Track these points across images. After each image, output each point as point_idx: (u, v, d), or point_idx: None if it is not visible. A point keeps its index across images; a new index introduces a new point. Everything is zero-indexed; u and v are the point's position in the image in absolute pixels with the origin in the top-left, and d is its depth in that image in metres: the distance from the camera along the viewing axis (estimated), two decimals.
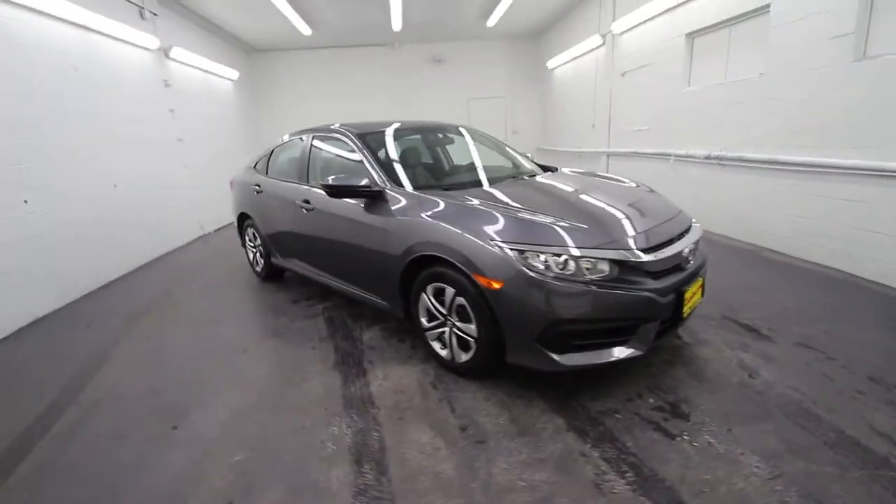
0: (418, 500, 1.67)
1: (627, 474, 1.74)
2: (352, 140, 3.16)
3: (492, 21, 8.48)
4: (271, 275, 4.37)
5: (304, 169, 3.55)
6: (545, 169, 3.56)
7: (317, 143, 3.55)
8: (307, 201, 3.36)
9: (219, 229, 7.55)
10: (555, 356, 2.05)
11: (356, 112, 10.29)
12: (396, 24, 8.22)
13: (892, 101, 3.18)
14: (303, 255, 3.66)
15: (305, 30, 8.01)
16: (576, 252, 2.03)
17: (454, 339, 2.43)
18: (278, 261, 4.05)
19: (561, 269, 2.02)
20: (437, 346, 2.57)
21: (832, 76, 3.56)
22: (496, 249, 2.10)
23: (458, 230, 2.27)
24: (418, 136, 3.57)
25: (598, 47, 7.50)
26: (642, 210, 2.50)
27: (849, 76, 3.44)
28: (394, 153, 3.15)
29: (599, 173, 3.49)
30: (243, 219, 4.50)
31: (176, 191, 6.27)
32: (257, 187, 4.10)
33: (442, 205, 2.47)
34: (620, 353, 2.09)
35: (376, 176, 2.85)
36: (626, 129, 6.89)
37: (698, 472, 1.72)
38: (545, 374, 2.27)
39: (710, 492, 1.63)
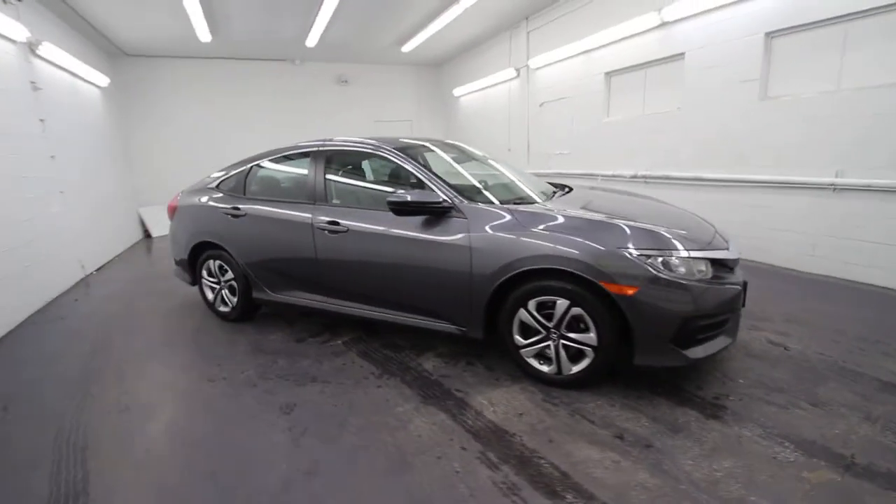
0: None
1: (787, 441, 1.96)
2: (395, 155, 2.92)
3: (408, 47, 8.64)
4: (246, 314, 3.67)
5: (319, 188, 3.12)
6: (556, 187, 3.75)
7: (334, 158, 3.17)
8: (333, 222, 2.96)
9: (102, 267, 6.00)
10: (684, 352, 2.20)
11: (253, 130, 9.37)
12: (312, 40, 7.79)
13: (788, 130, 4.24)
14: (314, 286, 3.18)
15: (205, 36, 7.03)
16: (695, 254, 2.24)
17: (563, 352, 2.41)
18: (265, 296, 3.43)
19: (683, 271, 2.19)
20: (534, 363, 2.50)
21: (743, 112, 4.58)
22: (626, 256, 2.18)
23: (582, 240, 2.28)
24: (447, 153, 3.43)
25: (512, 79, 8.22)
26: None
27: (756, 112, 4.47)
28: (439, 168, 3.01)
29: (616, 188, 3.86)
30: (198, 251, 3.71)
31: (49, 222, 4.81)
32: (234, 211, 3.45)
33: (560, 218, 2.45)
34: (723, 342, 2.34)
35: (443, 191, 2.68)
36: (546, 152, 7.65)
37: (828, 429, 2.03)
38: (624, 374, 2.40)
39: (851, 439, 1.94)
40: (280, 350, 3.17)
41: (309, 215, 3.08)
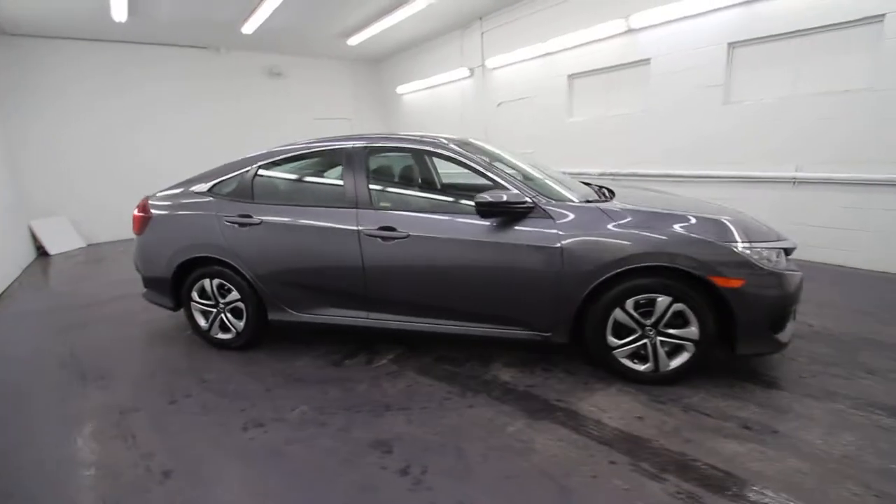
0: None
1: (877, 409, 2.16)
2: (456, 153, 2.67)
3: (355, 40, 8.15)
4: (254, 340, 3.11)
5: (362, 190, 2.74)
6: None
7: (378, 157, 2.81)
8: (388, 228, 2.62)
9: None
10: (776, 337, 2.32)
11: (170, 126, 8.17)
12: (250, 26, 6.96)
13: (749, 131, 4.77)
14: (358, 300, 2.79)
15: (120, 14, 5.88)
16: (777, 244, 2.36)
17: (660, 349, 2.39)
18: (287, 316, 2.94)
19: (776, 260, 2.31)
20: (628, 363, 2.46)
21: (708, 114, 5.05)
22: (733, 250, 2.23)
23: (688, 235, 2.27)
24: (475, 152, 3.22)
25: (465, 78, 8.19)
26: None
27: (720, 114, 4.96)
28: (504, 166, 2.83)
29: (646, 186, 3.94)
30: (186, 269, 3.06)
31: None
32: (243, 219, 2.90)
33: (656, 214, 2.40)
34: (794, 325, 2.52)
35: (523, 191, 2.51)
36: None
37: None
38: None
39: None
40: (320, 378, 2.74)
41: (353, 221, 2.70)
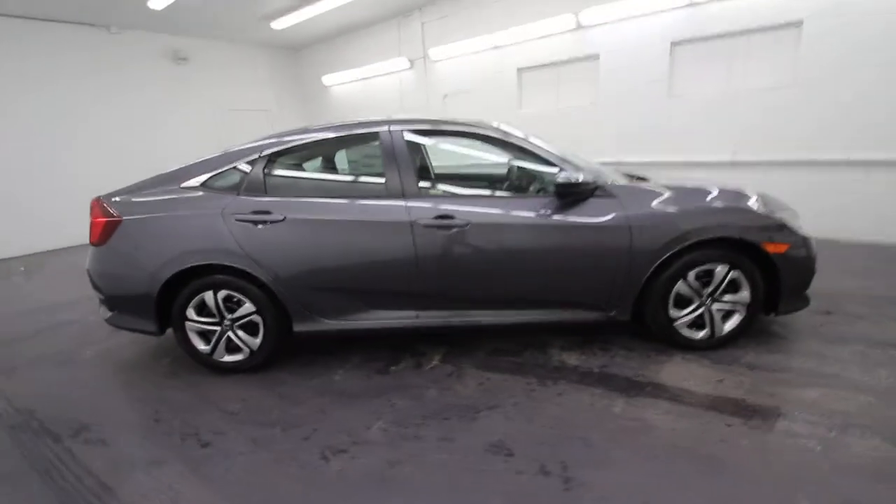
0: None
1: (890, 345, 2.55)
2: (505, 135, 2.53)
3: (280, 24, 7.40)
4: (271, 358, 2.65)
5: (408, 176, 2.47)
6: None
7: (421, 142, 2.53)
8: (445, 216, 2.40)
9: None
10: (807, 294, 2.61)
11: (50, 116, 6.73)
12: (161, 1, 5.90)
13: (690, 121, 5.35)
14: (408, 299, 2.52)
15: None
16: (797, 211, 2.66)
17: (716, 316, 2.55)
18: (318, 326, 2.55)
19: (803, 226, 2.59)
20: (687, 332, 2.58)
21: (653, 106, 5.54)
22: (781, 219, 2.45)
23: (745, 207, 2.45)
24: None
25: (404, 70, 7.94)
26: None
27: (665, 106, 5.48)
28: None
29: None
30: (178, 281, 2.49)
31: None
32: (260, 217, 2.43)
33: (712, 190, 2.53)
34: None
35: (578, 170, 2.47)
36: None
37: None
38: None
39: None
40: (374, 389, 2.43)
41: (404, 213, 2.42)
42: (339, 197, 2.52)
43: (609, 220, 2.42)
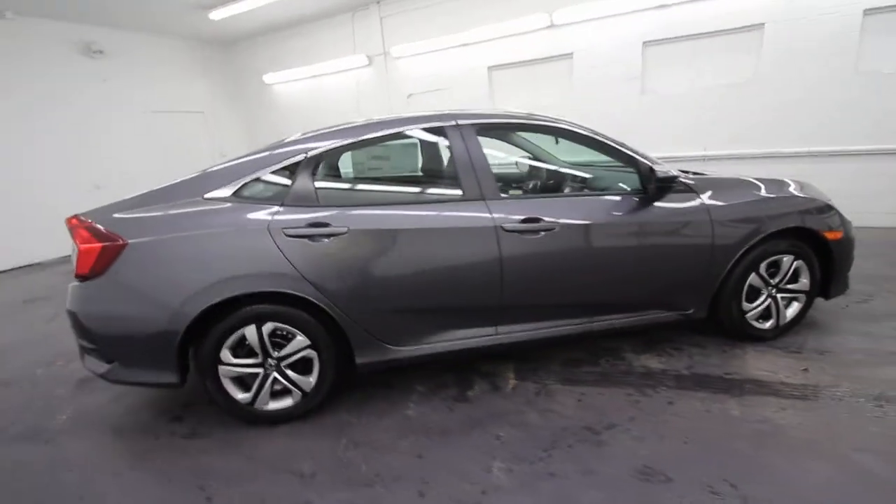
0: None
1: None
2: (583, 128, 2.35)
3: (219, 14, 6.56)
4: (327, 398, 2.22)
5: (485, 176, 2.19)
6: None
7: (496, 136, 2.25)
8: (532, 220, 2.16)
9: None
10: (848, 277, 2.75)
11: None
12: None
13: (660, 117, 5.60)
14: (489, 314, 2.24)
15: None
16: None
17: (781, 305, 2.58)
18: (385, 356, 2.17)
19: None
20: (755, 323, 2.59)
21: (627, 103, 5.72)
22: (834, 207, 2.54)
23: (809, 197, 2.50)
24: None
25: (362, 67, 7.47)
26: None
27: (638, 103, 5.68)
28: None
29: None
30: (209, 317, 1.98)
31: None
32: (315, 230, 2.00)
33: (782, 182, 2.56)
34: None
35: (654, 163, 2.37)
36: None
37: None
38: None
39: None
40: (464, 421, 2.12)
41: (487, 216, 2.14)
42: (407, 202, 2.17)
43: (695, 214, 2.36)
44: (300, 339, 2.09)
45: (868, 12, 4.40)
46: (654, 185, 2.24)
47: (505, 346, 2.34)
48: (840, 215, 2.58)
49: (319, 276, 2.03)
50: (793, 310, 2.63)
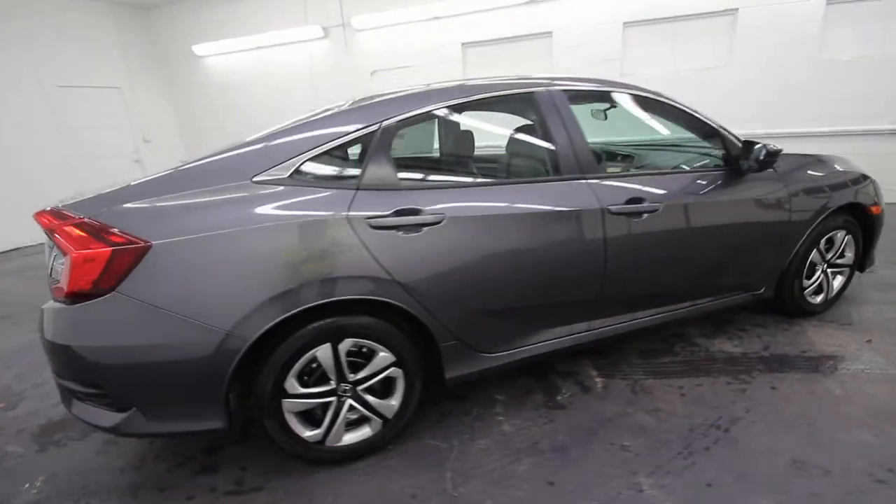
0: None
1: None
2: (673, 100, 2.15)
3: None
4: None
5: (582, 149, 1.90)
6: None
7: (584, 104, 1.95)
8: (636, 199, 1.92)
9: None
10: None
11: None
12: None
13: None
14: (586, 308, 1.98)
15: None
16: None
17: (830, 280, 2.62)
18: (478, 365, 1.83)
19: None
20: (811, 300, 2.60)
21: None
22: (873, 182, 2.60)
23: (858, 173, 2.53)
24: None
25: (316, 39, 6.71)
26: None
27: None
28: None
29: None
30: (269, 338, 1.50)
31: None
32: (404, 219, 1.59)
33: (828, 158, 2.55)
34: None
35: (736, 138, 2.25)
36: None
37: None
38: None
39: None
40: (572, 433, 1.85)
41: (591, 197, 1.86)
42: (502, 182, 1.83)
43: (777, 191, 2.28)
44: (384, 356, 1.68)
45: (830, 2, 4.73)
46: (756, 160, 2.10)
47: (593, 343, 2.12)
48: (877, 188, 2.67)
49: (411, 277, 1.63)
50: (837, 283, 2.70)
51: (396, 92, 1.88)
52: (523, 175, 1.99)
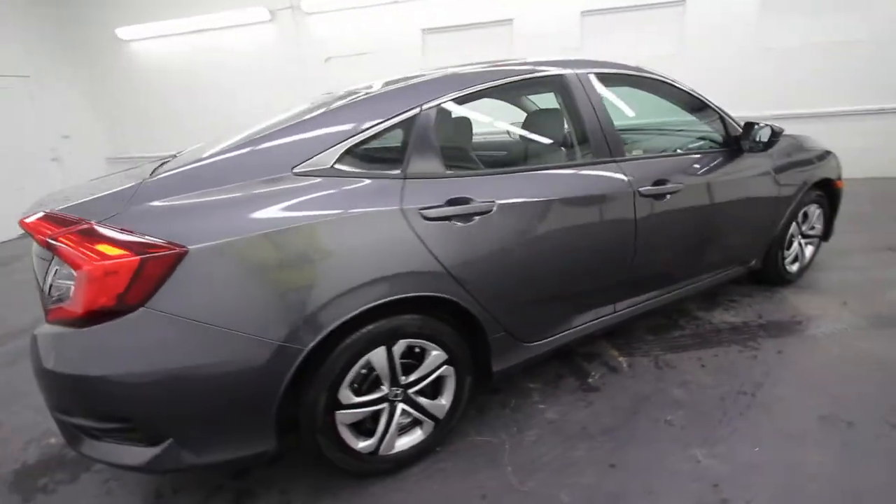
0: None
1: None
2: (683, 86, 2.22)
3: None
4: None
5: (611, 132, 1.91)
6: None
7: (607, 86, 1.93)
8: (661, 181, 1.95)
9: None
10: None
11: None
12: None
13: None
14: (612, 292, 2.01)
15: None
16: None
17: (804, 250, 2.86)
18: (519, 356, 1.79)
19: None
20: (789, 269, 2.82)
21: None
22: (832, 154, 2.86)
23: (828, 149, 2.73)
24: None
25: (263, 22, 6.23)
26: None
27: None
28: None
29: None
30: (328, 344, 1.36)
31: None
32: (457, 209, 1.50)
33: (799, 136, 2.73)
34: None
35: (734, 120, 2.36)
36: None
37: None
38: None
39: None
40: (614, 415, 1.88)
41: (623, 179, 1.86)
42: (542, 166, 1.78)
43: (766, 168, 2.43)
44: (436, 355, 1.59)
45: None
46: (761, 140, 2.22)
47: (615, 326, 2.15)
48: (839, 163, 2.94)
49: (464, 269, 1.54)
50: (809, 252, 2.96)
51: (425, 74, 1.76)
52: (561, 160, 1.96)
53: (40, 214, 1.25)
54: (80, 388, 1.23)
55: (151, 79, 6.96)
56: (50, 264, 1.27)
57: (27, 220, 1.25)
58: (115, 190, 1.29)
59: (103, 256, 1.15)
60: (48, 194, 1.66)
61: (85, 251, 1.15)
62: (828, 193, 2.84)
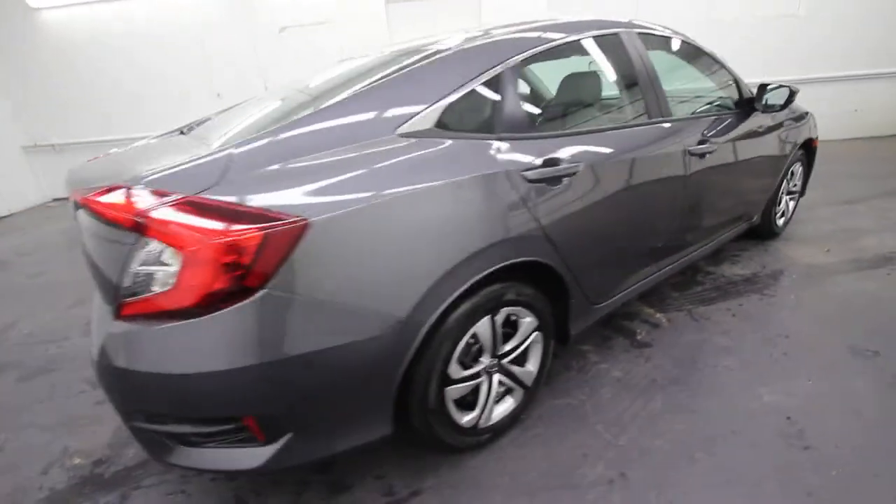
0: None
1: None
2: (688, 41, 2.27)
3: None
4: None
5: (652, 93, 1.95)
6: None
7: (648, 49, 1.93)
8: (703, 140, 2.03)
9: None
10: None
11: None
12: None
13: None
14: (656, 253, 2.08)
15: None
16: None
17: (789, 204, 3.13)
18: (589, 318, 1.82)
19: None
20: (778, 222, 3.08)
21: None
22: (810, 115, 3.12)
23: (803, 107, 2.96)
24: None
25: None
26: None
27: None
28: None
29: None
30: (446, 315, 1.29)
31: None
32: (551, 171, 1.46)
33: None
34: None
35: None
36: None
37: None
38: None
39: None
40: (676, 365, 1.97)
41: (676, 137, 1.91)
42: (613, 127, 1.77)
43: (777, 127, 2.61)
44: (529, 322, 1.57)
45: None
46: (776, 102, 2.37)
47: (654, 285, 2.23)
48: (815, 122, 3.22)
49: (558, 232, 1.51)
50: (791, 207, 3.26)
51: (497, 30, 1.67)
52: (627, 119, 1.96)
53: (112, 186, 1.04)
54: (186, 390, 1.07)
55: (70, 55, 6.04)
56: (132, 249, 1.06)
57: (100, 195, 1.04)
58: (200, 160, 1.11)
59: (219, 233, 0.99)
60: (71, 170, 1.41)
61: (194, 228, 0.99)
62: (807, 152, 3.13)
